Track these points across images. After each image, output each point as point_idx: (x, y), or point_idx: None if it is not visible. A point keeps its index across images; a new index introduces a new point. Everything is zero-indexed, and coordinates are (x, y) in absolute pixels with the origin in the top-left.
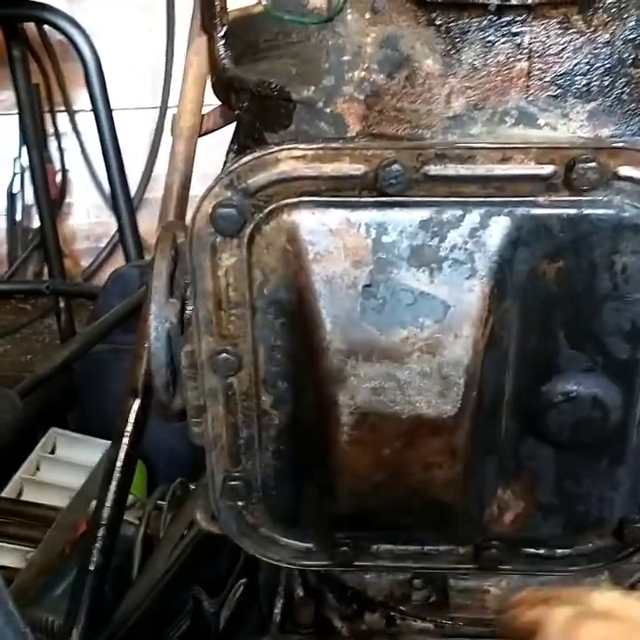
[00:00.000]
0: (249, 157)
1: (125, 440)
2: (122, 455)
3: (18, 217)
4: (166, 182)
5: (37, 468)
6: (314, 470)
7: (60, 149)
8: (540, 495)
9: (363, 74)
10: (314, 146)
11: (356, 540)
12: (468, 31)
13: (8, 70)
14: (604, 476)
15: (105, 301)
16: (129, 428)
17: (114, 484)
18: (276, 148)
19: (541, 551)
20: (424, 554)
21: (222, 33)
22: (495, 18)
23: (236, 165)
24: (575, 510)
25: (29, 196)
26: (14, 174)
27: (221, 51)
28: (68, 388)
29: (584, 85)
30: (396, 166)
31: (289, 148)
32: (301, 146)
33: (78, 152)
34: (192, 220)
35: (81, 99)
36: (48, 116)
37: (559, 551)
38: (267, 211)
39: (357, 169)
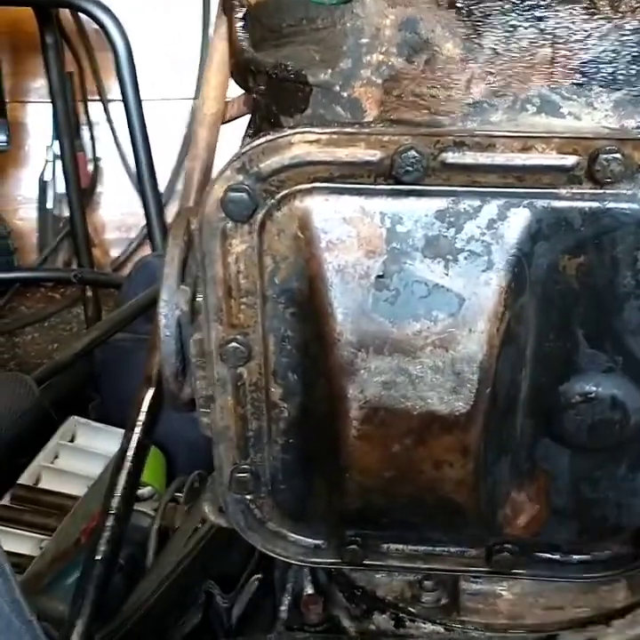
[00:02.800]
0: (261, 140)
1: (137, 429)
2: (133, 445)
3: (49, 205)
4: (187, 170)
5: (56, 456)
6: (323, 465)
7: (93, 139)
8: (556, 498)
9: (381, 57)
10: (328, 130)
11: (366, 538)
12: (491, 15)
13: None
14: (623, 480)
15: (129, 290)
16: (142, 417)
17: (124, 473)
18: (290, 132)
19: (556, 556)
20: (435, 554)
21: (241, 14)
22: (519, 1)
23: (247, 148)
24: (592, 515)
25: (61, 185)
26: (46, 162)
27: (240, 32)
28: (90, 376)
29: (610, 74)
30: (412, 153)
31: (302, 132)
32: (315, 130)
33: (111, 142)
34: (202, 205)
35: (115, 88)
36: (82, 105)
37: (575, 557)
38: (279, 196)
39: (373, 155)
